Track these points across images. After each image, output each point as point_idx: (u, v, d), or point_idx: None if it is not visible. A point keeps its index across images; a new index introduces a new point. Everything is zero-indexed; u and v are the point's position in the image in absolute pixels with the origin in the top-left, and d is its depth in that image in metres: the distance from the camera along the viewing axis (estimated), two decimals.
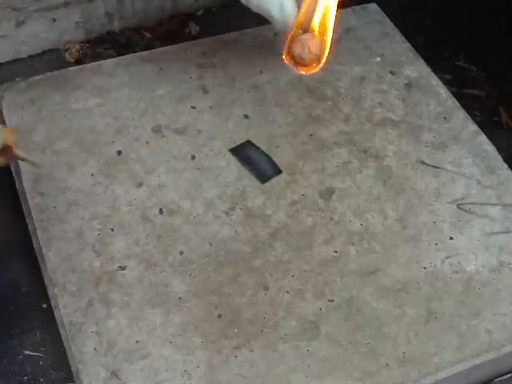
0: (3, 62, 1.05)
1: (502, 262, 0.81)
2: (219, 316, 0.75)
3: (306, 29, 0.85)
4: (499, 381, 0.79)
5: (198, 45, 1.01)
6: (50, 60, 1.06)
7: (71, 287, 0.76)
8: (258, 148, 0.89)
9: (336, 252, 0.81)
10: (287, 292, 0.77)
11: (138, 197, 0.84)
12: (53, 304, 0.77)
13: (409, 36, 1.04)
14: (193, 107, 0.93)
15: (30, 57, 1.07)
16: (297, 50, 0.85)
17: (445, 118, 0.94)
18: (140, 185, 0.85)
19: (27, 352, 0.79)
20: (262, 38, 1.01)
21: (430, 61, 1.01)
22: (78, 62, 1.05)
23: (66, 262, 0.78)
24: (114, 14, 1.08)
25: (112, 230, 0.81)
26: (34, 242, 0.81)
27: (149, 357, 0.72)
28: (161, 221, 0.82)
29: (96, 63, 0.99)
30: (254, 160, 0.88)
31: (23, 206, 0.84)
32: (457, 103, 0.96)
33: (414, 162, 0.89)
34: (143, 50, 1.02)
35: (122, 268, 0.78)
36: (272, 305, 0.76)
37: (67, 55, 1.07)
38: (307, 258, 0.80)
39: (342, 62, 0.99)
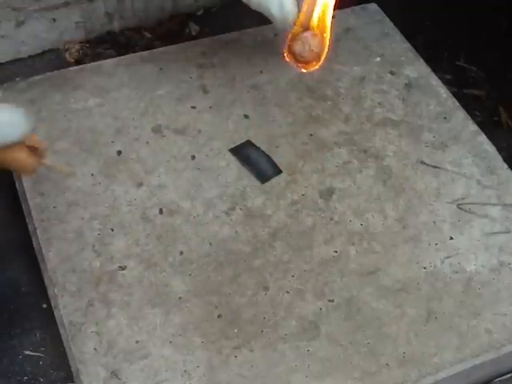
0: (3, 62, 1.05)
1: (502, 262, 0.81)
2: (219, 316, 0.75)
3: (306, 27, 0.86)
4: (499, 381, 0.79)
5: (197, 45, 1.01)
6: (50, 60, 1.06)
7: (71, 287, 0.76)
8: (258, 148, 0.89)
9: (336, 252, 0.81)
10: (287, 292, 0.77)
11: (138, 197, 0.84)
12: (53, 304, 0.77)
13: (409, 36, 1.04)
14: (193, 107, 0.93)
15: (29, 57, 1.07)
16: (298, 48, 0.85)
17: (445, 118, 0.94)
18: (140, 185, 0.85)
19: (27, 352, 0.79)
20: (262, 38, 1.01)
21: (429, 61, 1.01)
22: (77, 62, 1.05)
23: (65, 262, 0.78)
24: (113, 13, 1.08)
25: (112, 230, 0.81)
26: (34, 242, 0.81)
27: (149, 357, 0.72)
28: (161, 221, 0.82)
29: (96, 63, 0.99)
30: (254, 160, 0.88)
31: (23, 206, 0.84)
32: (457, 103, 0.96)
33: (414, 162, 0.89)
34: (143, 50, 1.02)
35: (122, 268, 0.78)
36: (272, 305, 0.76)
37: (67, 55, 1.07)
38: (307, 258, 0.80)
39: (341, 61, 0.99)
